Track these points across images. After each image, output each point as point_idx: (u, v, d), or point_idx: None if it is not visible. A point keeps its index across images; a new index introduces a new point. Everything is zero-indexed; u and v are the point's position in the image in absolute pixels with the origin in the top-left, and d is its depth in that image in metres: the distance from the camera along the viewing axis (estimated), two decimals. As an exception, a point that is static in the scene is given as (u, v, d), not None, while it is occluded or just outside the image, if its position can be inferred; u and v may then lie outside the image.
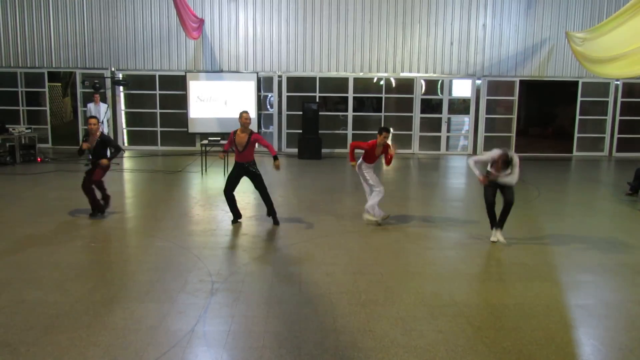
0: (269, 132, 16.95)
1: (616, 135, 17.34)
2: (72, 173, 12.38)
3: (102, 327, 4.56)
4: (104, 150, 8.30)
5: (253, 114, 16.24)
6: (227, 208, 9.08)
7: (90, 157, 8.48)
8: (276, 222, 8.07)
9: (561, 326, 4.83)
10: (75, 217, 8.40)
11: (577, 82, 17.00)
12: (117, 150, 8.55)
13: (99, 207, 8.39)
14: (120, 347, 4.24)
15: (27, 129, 14.46)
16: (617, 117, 17.23)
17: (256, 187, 8.03)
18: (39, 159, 13.88)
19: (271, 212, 8.09)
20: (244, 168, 7.92)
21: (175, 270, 6.03)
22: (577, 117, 17.31)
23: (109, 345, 4.26)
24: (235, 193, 8.05)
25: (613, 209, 9.90)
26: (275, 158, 7.99)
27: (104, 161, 8.16)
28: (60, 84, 23.09)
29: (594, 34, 11.65)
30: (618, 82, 16.98)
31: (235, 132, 7.88)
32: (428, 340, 4.46)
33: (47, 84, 16.82)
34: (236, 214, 8.16)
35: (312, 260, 6.53)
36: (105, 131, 14.16)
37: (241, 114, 7.79)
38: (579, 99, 17.15)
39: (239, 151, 7.84)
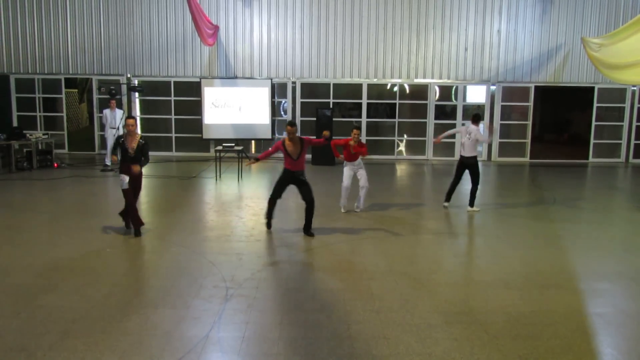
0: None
1: (633, 142, 17.13)
2: (88, 179, 12.50)
3: (118, 332, 4.59)
4: (140, 155, 7.53)
5: (267, 119, 16.32)
6: (242, 214, 9.11)
7: (122, 161, 7.54)
8: (309, 234, 7.86)
9: (579, 334, 4.77)
10: (91, 222, 8.47)
11: (593, 88, 16.83)
12: (147, 161, 7.77)
13: (137, 222, 7.68)
14: (136, 352, 4.27)
15: (44, 134, 14.65)
16: (634, 123, 17.02)
17: (304, 196, 7.83)
18: (55, 165, 14.04)
19: (308, 225, 7.90)
20: (294, 177, 7.84)
21: (190, 276, 6.05)
22: (593, 123, 17.14)
23: (124, 351, 4.28)
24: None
25: (629, 216, 9.77)
26: (329, 138, 8.08)
27: (137, 168, 7.48)
28: (76, 90, 23.37)
29: (611, 39, 11.54)
30: (635, 88, 16.79)
31: (283, 141, 7.84)
32: (443, 348, 4.43)
33: (64, 90, 17.03)
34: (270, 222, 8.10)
35: (326, 266, 6.53)
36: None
37: (286, 126, 7.81)
38: (595, 104, 16.98)
39: (293, 159, 7.76)
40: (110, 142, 14.01)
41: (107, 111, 14.10)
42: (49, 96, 17.08)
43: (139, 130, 9.00)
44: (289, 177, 7.87)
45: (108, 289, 5.60)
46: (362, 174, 9.31)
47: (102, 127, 14.80)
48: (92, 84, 16.88)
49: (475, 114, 9.70)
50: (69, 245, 7.20)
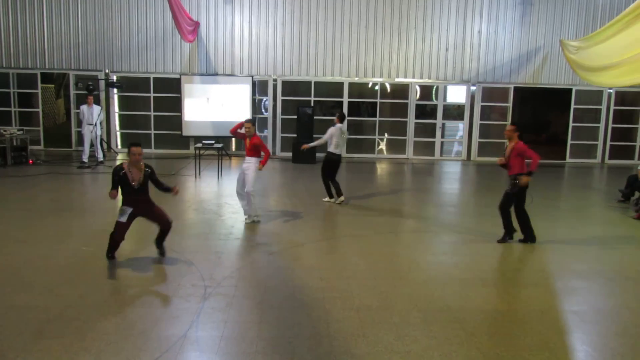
0: (264, 135, 16.92)
1: (609, 143, 17.44)
2: (65, 175, 12.30)
3: (94, 333, 4.52)
4: (146, 186, 6.54)
5: (247, 117, 16.22)
6: (221, 212, 9.05)
7: (126, 194, 6.41)
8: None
9: (554, 332, 4.84)
10: (67, 220, 8.34)
11: (570, 90, 17.08)
12: (163, 186, 6.78)
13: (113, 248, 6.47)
14: (112, 352, 4.21)
15: (18, 130, 14.36)
16: (610, 125, 17.33)
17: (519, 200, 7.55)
18: (30, 161, 13.78)
19: (526, 232, 7.65)
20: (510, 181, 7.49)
21: (168, 275, 5.99)
22: (571, 124, 17.40)
23: (100, 351, 4.22)
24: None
25: (605, 216, 9.95)
26: (530, 174, 7.40)
27: (176, 190, 6.81)
28: (53, 86, 22.94)
29: (588, 42, 11.71)
30: (611, 91, 17.09)
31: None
32: (422, 346, 4.45)
33: (39, 85, 16.72)
34: (512, 229, 7.70)
35: (306, 264, 6.51)
36: (99, 133, 14.10)
37: (507, 126, 7.55)
38: (573, 106, 17.24)
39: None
40: (87, 139, 13.82)
41: (84, 107, 13.90)
42: (24, 91, 16.73)
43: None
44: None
45: (84, 289, 5.51)
46: (248, 174, 8.27)
47: (79, 123, 14.58)
48: (69, 79, 16.60)
49: (341, 113, 10.13)
50: (44, 243, 7.07)
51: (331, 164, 9.98)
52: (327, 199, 10.12)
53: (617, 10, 16.01)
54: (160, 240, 6.65)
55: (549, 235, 8.22)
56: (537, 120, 23.86)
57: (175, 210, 9.35)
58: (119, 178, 6.27)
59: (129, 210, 6.32)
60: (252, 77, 16.32)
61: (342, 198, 10.00)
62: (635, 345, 4.61)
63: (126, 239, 7.58)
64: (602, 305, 5.55)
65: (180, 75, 16.19)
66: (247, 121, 8.38)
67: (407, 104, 16.97)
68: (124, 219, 6.31)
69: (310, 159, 15.28)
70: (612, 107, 17.25)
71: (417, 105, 17.09)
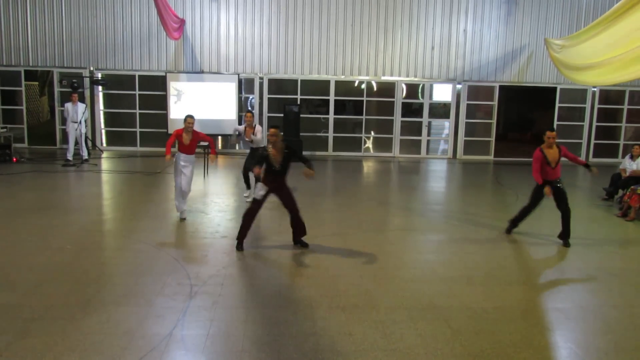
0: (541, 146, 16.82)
1: (593, 141, 17.63)
2: (49, 174, 12.16)
3: (78, 332, 4.48)
4: (287, 167, 6.89)
5: (234, 115, 16.17)
6: (207, 210, 9.02)
7: (266, 172, 6.79)
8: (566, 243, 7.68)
9: (539, 329, 4.88)
10: (51, 218, 8.25)
11: (555, 88, 17.24)
12: (306, 161, 7.06)
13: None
14: (97, 351, 4.17)
15: (2, 128, 14.18)
16: (594, 123, 17.52)
17: (561, 205, 7.63)
18: (14, 159, 13.60)
19: (565, 233, 7.70)
20: (552, 185, 7.53)
21: (154, 273, 5.95)
22: (555, 122, 17.55)
23: (84, 350, 4.18)
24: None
25: (589, 214, 10.06)
26: (587, 166, 7.91)
27: (311, 172, 6.89)
28: (37, 83, 22.69)
29: (572, 41, 11.82)
30: (595, 89, 17.27)
31: (541, 149, 7.56)
32: (407, 344, 4.47)
33: (23, 82, 16.49)
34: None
35: (292, 263, 6.51)
36: (83, 131, 13.96)
37: (547, 131, 7.54)
38: (557, 104, 17.40)
39: (552, 167, 7.51)
40: (72, 136, 13.68)
41: (68, 105, 13.75)
42: (8, 89, 16.51)
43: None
44: (550, 187, 7.53)
45: (68, 287, 5.46)
46: (187, 175, 8.41)
47: (64, 121, 14.43)
48: (54, 76, 16.41)
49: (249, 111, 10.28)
50: (28, 242, 6.99)
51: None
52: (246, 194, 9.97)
53: (601, 9, 16.18)
54: (298, 233, 7.09)
55: (534, 233, 8.30)
56: (522, 118, 24.11)
57: (161, 208, 9.30)
58: (262, 158, 6.78)
59: (266, 188, 6.77)
60: (238, 75, 16.26)
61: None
62: (619, 343, 4.67)
63: (109, 236, 7.52)
64: (586, 302, 5.61)
65: (166, 73, 16.08)
66: (190, 117, 8.13)
67: (393, 102, 17.01)
68: (260, 197, 6.78)
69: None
70: (596, 106, 17.44)
71: (403, 104, 17.14)
